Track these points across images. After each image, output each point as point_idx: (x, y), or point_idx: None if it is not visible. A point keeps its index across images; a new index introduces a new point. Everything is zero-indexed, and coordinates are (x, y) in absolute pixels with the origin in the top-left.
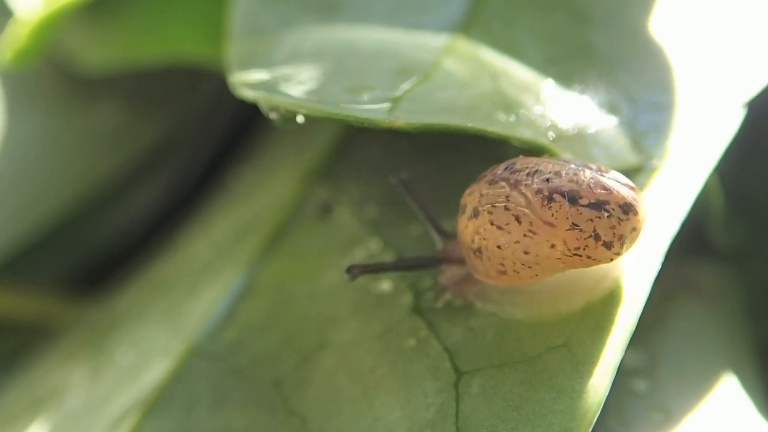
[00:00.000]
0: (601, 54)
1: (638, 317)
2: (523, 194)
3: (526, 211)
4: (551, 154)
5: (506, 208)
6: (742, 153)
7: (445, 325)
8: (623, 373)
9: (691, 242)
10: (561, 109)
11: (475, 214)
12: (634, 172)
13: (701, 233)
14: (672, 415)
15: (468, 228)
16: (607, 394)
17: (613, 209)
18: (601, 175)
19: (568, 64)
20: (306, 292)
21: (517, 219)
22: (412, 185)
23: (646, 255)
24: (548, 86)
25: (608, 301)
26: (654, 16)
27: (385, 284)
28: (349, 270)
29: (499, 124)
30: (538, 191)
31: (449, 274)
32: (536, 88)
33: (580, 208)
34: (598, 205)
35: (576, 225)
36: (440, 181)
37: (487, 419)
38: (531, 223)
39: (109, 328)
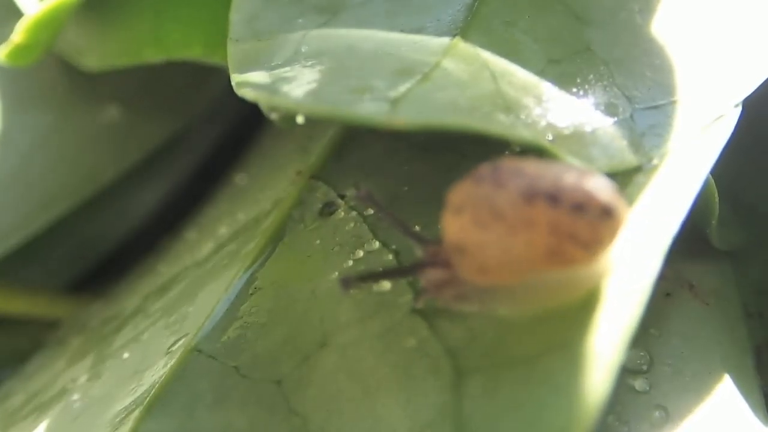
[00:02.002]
0: (600, 55)
1: (640, 318)
2: (506, 194)
3: (508, 211)
4: (550, 155)
5: (489, 208)
6: (738, 154)
7: (446, 325)
8: (622, 371)
9: (691, 242)
10: (560, 109)
11: (459, 211)
12: (634, 172)
13: (700, 233)
14: (671, 413)
15: (451, 225)
16: (607, 394)
17: (593, 213)
18: (584, 178)
19: (567, 65)
20: (306, 292)
21: (499, 219)
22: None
23: (647, 255)
24: (548, 87)
25: (609, 301)
26: (653, 17)
27: (385, 283)
28: (344, 282)
29: (499, 125)
30: (520, 192)
31: (430, 277)
32: (536, 89)
33: (560, 211)
34: (579, 208)
35: (556, 227)
36: (440, 181)
37: (487, 419)
38: (512, 223)
39: (111, 328)
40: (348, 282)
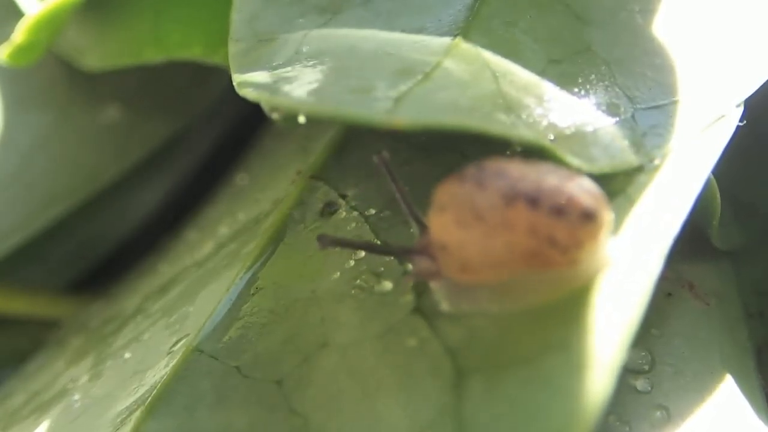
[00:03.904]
0: (601, 55)
1: (641, 318)
2: (487, 195)
3: (488, 213)
4: (551, 155)
5: (470, 208)
6: (740, 155)
7: (446, 325)
8: (624, 371)
9: (691, 242)
10: (561, 109)
11: (442, 210)
12: (635, 172)
13: (700, 233)
14: (672, 413)
15: (435, 223)
16: (609, 394)
17: (573, 217)
18: (566, 181)
19: (568, 65)
20: (307, 292)
21: (479, 219)
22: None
23: (648, 255)
24: (549, 87)
25: (610, 301)
26: (653, 17)
27: (387, 284)
28: (320, 239)
29: (500, 125)
30: (502, 194)
31: (419, 266)
32: (537, 89)
33: (539, 213)
34: (558, 211)
35: (534, 230)
36: (440, 181)
37: (487, 419)
38: (492, 225)
39: (112, 328)
40: (324, 240)
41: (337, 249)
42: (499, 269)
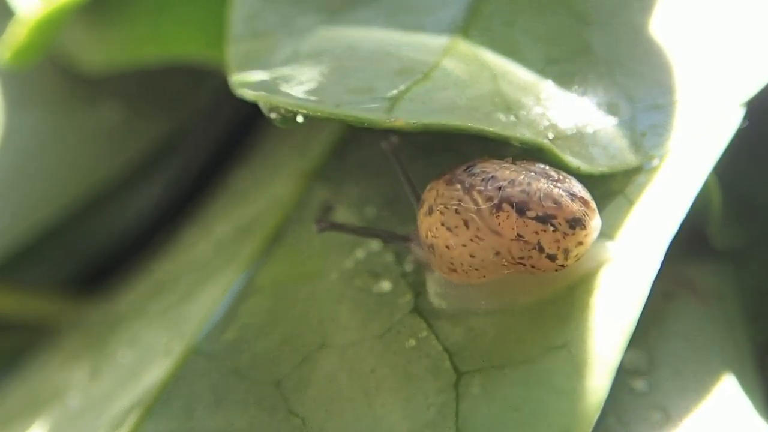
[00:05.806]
0: (600, 55)
1: (638, 317)
2: (474, 200)
3: (475, 217)
4: (550, 155)
5: (457, 211)
6: (741, 155)
7: (445, 325)
8: (622, 372)
9: (691, 242)
10: (560, 109)
11: (430, 211)
12: (634, 172)
13: (701, 233)
14: (671, 414)
15: (423, 224)
16: (607, 394)
17: (560, 223)
18: (556, 187)
19: (567, 65)
20: (306, 292)
21: (466, 223)
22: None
23: (647, 255)
24: (548, 87)
25: (608, 301)
26: (653, 16)
27: (386, 284)
28: (318, 222)
29: (499, 124)
30: (489, 198)
31: (416, 255)
32: (536, 89)
33: (526, 220)
34: (545, 219)
35: (521, 236)
36: None
37: (487, 420)
38: (478, 229)
39: (109, 329)
40: (322, 225)
41: (336, 249)
42: (487, 272)
